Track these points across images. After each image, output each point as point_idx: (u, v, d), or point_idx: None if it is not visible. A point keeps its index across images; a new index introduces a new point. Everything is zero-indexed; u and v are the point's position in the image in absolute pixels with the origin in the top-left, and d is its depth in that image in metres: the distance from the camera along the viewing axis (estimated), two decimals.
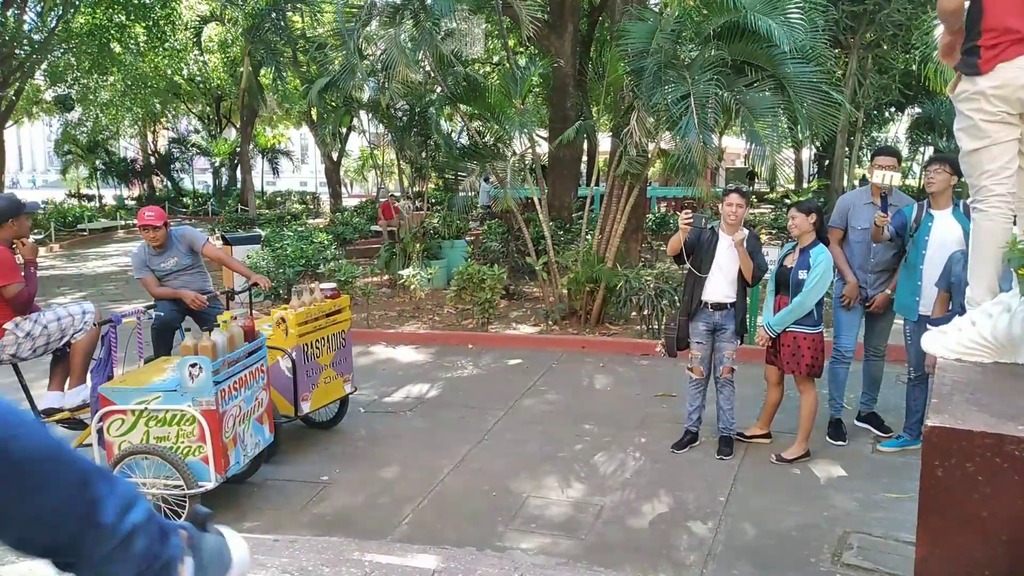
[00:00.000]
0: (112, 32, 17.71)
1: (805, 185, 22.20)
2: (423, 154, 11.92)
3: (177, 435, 3.94)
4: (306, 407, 5.08)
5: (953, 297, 4.18)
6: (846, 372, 5.10)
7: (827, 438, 5.07)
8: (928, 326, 2.92)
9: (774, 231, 12.60)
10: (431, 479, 4.58)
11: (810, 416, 4.77)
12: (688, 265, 4.96)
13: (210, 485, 3.93)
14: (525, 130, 8.48)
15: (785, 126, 7.34)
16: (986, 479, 1.87)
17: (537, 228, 9.13)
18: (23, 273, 4.40)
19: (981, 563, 1.89)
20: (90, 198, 29.40)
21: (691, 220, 4.76)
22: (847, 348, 5.06)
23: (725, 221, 4.89)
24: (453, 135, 14.40)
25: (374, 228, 16.00)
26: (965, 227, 4.45)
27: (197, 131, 32.09)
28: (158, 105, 26.42)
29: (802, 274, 4.63)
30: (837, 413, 5.12)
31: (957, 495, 1.90)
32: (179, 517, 3.96)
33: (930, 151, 18.65)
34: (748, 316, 7.24)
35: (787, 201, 14.34)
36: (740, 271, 4.86)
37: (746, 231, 4.80)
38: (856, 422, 5.20)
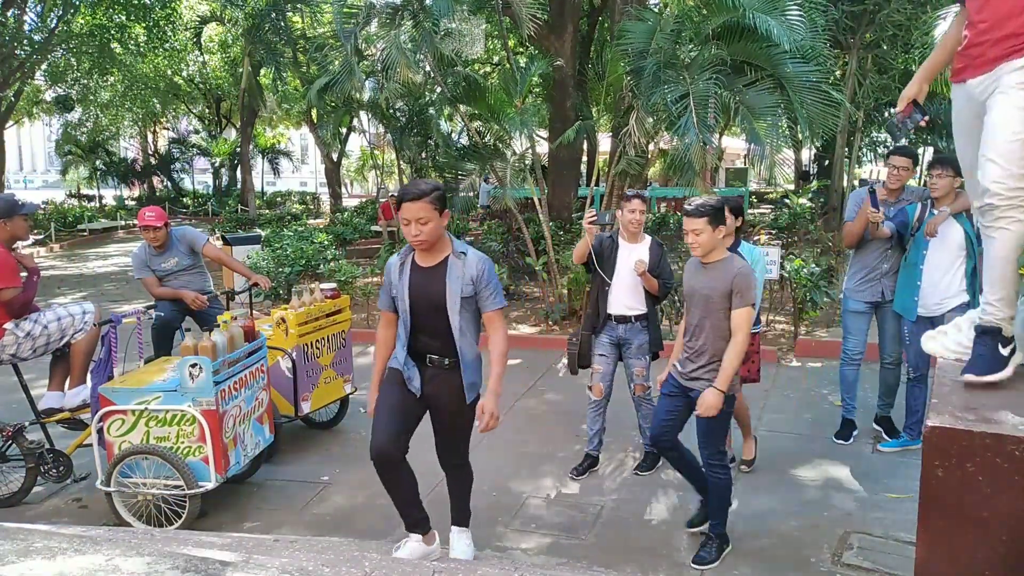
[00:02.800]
0: (112, 32, 17.72)
1: (805, 185, 22.18)
2: (423, 154, 11.94)
3: (177, 435, 3.95)
4: (306, 407, 5.08)
5: None
6: (855, 374, 5.06)
7: (833, 438, 5.07)
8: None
9: (774, 231, 12.59)
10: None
11: (746, 416, 4.67)
12: (600, 272, 4.55)
13: (210, 485, 3.93)
14: (525, 130, 8.47)
15: (785, 126, 7.34)
16: (986, 479, 1.87)
17: (537, 228, 9.14)
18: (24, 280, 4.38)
19: (982, 563, 1.89)
20: (90, 198, 29.40)
21: (595, 219, 4.40)
22: (855, 351, 5.02)
23: (626, 229, 4.53)
24: (453, 135, 14.43)
25: (374, 228, 16.01)
26: (967, 229, 4.44)
27: (197, 131, 32.10)
28: (158, 105, 26.43)
29: None
30: (849, 414, 5.11)
31: (957, 495, 1.90)
32: (179, 518, 3.97)
33: (930, 151, 18.64)
34: None
35: (787, 201, 14.32)
36: None
37: (646, 253, 4.48)
38: (874, 425, 5.18)
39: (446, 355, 3.36)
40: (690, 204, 3.51)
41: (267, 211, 23.90)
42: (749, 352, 4.13)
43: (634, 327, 4.54)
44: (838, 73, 12.07)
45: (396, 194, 3.43)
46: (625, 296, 4.52)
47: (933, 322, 4.17)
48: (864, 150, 21.50)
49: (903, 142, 4.69)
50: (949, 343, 2.58)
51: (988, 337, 2.28)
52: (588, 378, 4.69)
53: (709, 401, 3.43)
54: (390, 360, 3.46)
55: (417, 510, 3.47)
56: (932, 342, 2.65)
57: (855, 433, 5.07)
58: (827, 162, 19.39)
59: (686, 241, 3.54)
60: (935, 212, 4.58)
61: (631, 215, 4.47)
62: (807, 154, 24.63)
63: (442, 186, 3.29)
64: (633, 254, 4.50)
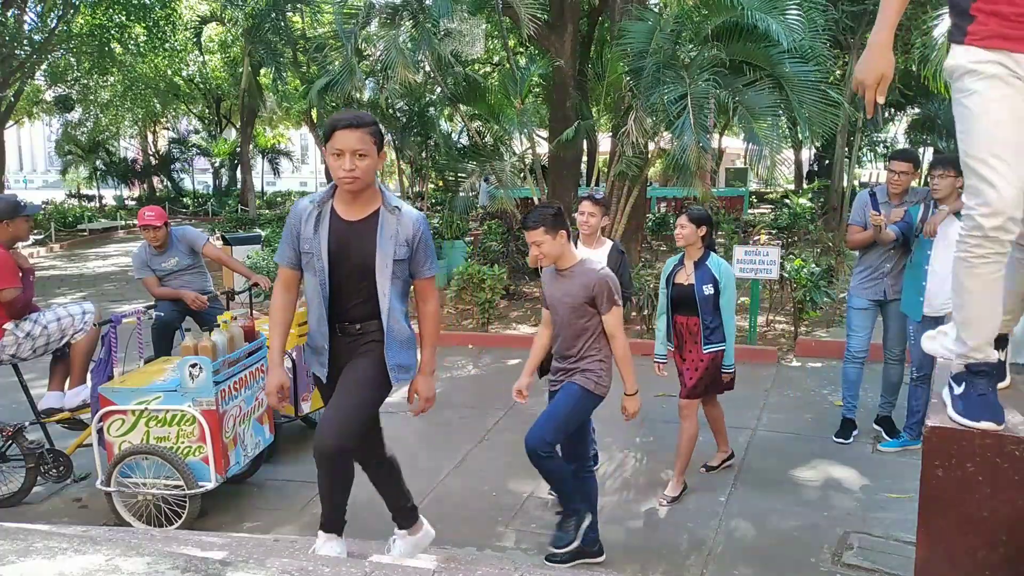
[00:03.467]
0: (112, 32, 17.72)
1: (806, 185, 22.20)
2: (423, 154, 11.94)
3: (177, 435, 3.94)
4: (306, 407, 5.08)
5: None
6: (858, 373, 5.06)
7: (833, 437, 5.07)
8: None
9: (774, 231, 12.60)
10: (431, 479, 4.58)
11: (687, 450, 4.28)
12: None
13: (210, 485, 3.93)
14: (525, 130, 8.48)
15: (784, 126, 7.35)
16: (986, 479, 1.87)
17: None
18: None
19: (982, 563, 1.89)
20: (90, 198, 29.40)
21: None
22: (858, 349, 5.01)
23: (580, 231, 4.29)
24: (453, 135, 14.41)
25: None
26: None
27: (197, 131, 32.11)
28: (158, 105, 26.42)
29: (708, 289, 4.13)
30: (849, 413, 5.11)
31: (957, 495, 1.91)
32: (179, 518, 3.97)
33: (930, 152, 18.63)
34: (751, 317, 7.26)
35: (787, 202, 14.33)
36: None
37: (604, 258, 4.12)
38: (874, 425, 5.18)
39: (367, 328, 2.87)
40: (527, 217, 3.36)
41: (267, 211, 23.90)
42: (703, 367, 4.18)
43: None
44: (838, 73, 12.08)
45: (326, 125, 2.82)
46: None
47: (939, 322, 4.17)
48: (864, 150, 21.49)
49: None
50: (949, 343, 2.58)
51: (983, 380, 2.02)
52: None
53: (630, 409, 3.53)
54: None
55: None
56: (931, 342, 2.65)
57: (855, 433, 5.07)
58: (827, 162, 19.40)
59: (533, 254, 3.38)
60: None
61: (581, 218, 4.24)
62: (807, 154, 24.63)
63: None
64: (591, 258, 4.10)
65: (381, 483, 3.18)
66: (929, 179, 4.68)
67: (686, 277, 4.26)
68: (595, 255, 4.22)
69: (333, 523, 3.01)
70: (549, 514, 4.17)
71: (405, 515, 3.25)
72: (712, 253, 4.27)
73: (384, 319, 2.83)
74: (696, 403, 4.29)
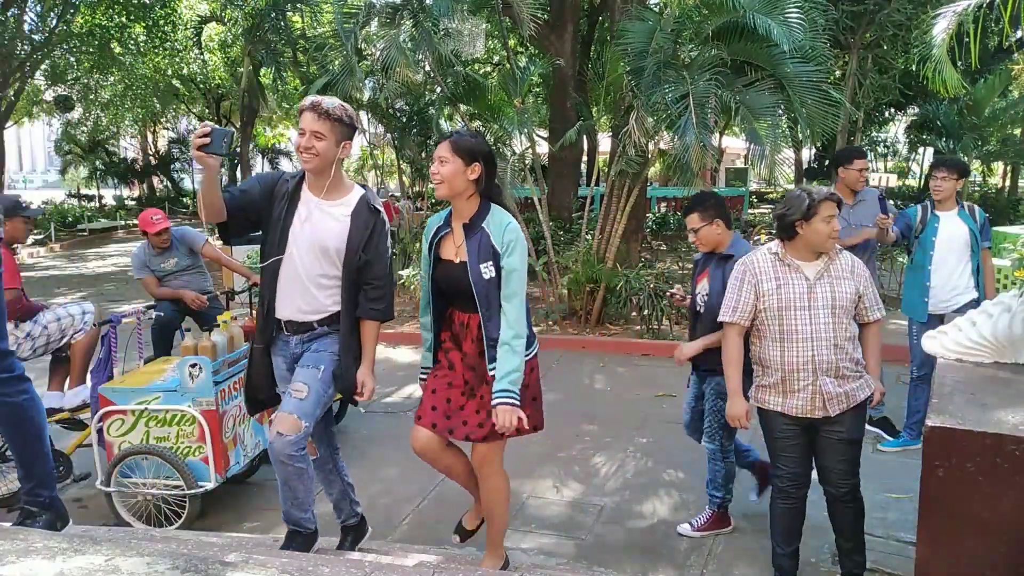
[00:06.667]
0: (112, 32, 17.71)
1: (805, 184, 22.18)
2: (423, 154, 11.92)
3: (177, 435, 3.94)
4: None
5: None
6: None
7: None
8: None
9: (774, 231, 12.59)
10: (431, 479, 4.57)
11: (502, 509, 3.08)
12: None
13: (210, 485, 3.93)
14: (525, 130, 8.47)
15: (785, 126, 7.34)
16: (987, 479, 1.87)
17: (537, 228, 9.14)
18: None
19: (982, 563, 1.89)
20: (90, 198, 29.38)
21: (209, 144, 2.66)
22: None
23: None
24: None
25: None
26: (972, 227, 4.51)
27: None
28: (158, 105, 26.41)
29: (487, 270, 2.78)
30: None
31: (958, 495, 1.91)
32: (179, 518, 3.96)
33: (929, 152, 18.63)
34: None
35: None
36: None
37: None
38: (869, 427, 5.17)
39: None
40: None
41: None
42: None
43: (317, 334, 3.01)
44: (838, 73, 12.06)
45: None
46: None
47: (941, 321, 4.18)
48: (864, 150, 21.43)
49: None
50: (949, 343, 2.58)
51: None
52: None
53: None
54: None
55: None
56: (932, 342, 2.66)
57: None
58: (828, 162, 19.37)
59: None
60: (937, 215, 4.63)
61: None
62: (807, 154, 24.62)
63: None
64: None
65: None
66: (931, 180, 4.70)
67: (455, 250, 2.87)
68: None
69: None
70: (549, 514, 4.17)
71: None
72: (496, 207, 2.86)
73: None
74: (498, 448, 2.94)
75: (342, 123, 2.83)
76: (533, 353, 2.95)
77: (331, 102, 2.83)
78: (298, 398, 2.84)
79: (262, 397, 3.15)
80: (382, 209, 2.99)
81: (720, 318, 3.21)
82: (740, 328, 3.12)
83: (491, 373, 2.78)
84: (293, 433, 2.79)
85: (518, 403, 2.70)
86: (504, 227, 2.79)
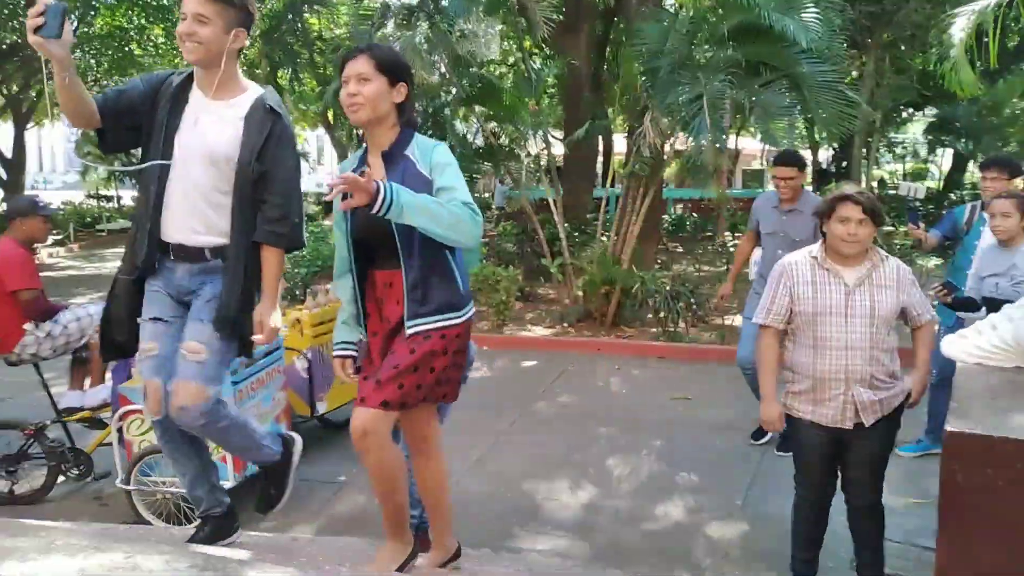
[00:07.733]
0: (131, 34, 17.89)
1: (823, 185, 22.03)
2: None
3: None
4: (322, 407, 5.11)
5: None
6: None
7: None
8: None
9: None
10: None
11: (442, 499, 3.00)
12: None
13: (228, 484, 3.95)
14: (540, 131, 8.47)
15: (801, 127, 7.30)
16: (1007, 485, 1.85)
17: (552, 229, 9.15)
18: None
19: (1003, 571, 1.87)
20: (108, 199, 29.66)
21: (43, 11, 2.43)
22: None
23: None
24: (468, 136, 14.39)
25: None
26: None
27: None
28: None
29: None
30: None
31: (978, 501, 1.89)
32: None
33: (949, 153, 18.45)
34: None
35: None
36: None
37: None
38: None
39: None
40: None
41: None
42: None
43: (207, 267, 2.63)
44: (855, 73, 11.99)
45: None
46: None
47: (961, 324, 4.12)
48: (882, 151, 21.29)
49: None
50: (969, 347, 2.56)
51: None
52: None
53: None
54: None
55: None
56: (951, 346, 2.63)
57: None
58: (845, 163, 19.25)
59: None
60: (984, 216, 4.46)
61: None
62: (824, 155, 24.47)
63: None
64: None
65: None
66: (980, 180, 4.55)
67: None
68: None
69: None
70: (564, 516, 4.17)
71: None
72: (418, 135, 2.54)
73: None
74: (388, 419, 2.56)
75: (232, 5, 2.43)
76: (467, 315, 2.52)
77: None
78: (196, 360, 2.45)
79: (120, 339, 2.67)
80: (283, 111, 2.57)
81: (754, 320, 3.17)
82: (775, 331, 3.04)
83: (408, 331, 2.40)
84: (199, 403, 2.43)
85: (388, 198, 2.18)
86: (431, 149, 2.44)
